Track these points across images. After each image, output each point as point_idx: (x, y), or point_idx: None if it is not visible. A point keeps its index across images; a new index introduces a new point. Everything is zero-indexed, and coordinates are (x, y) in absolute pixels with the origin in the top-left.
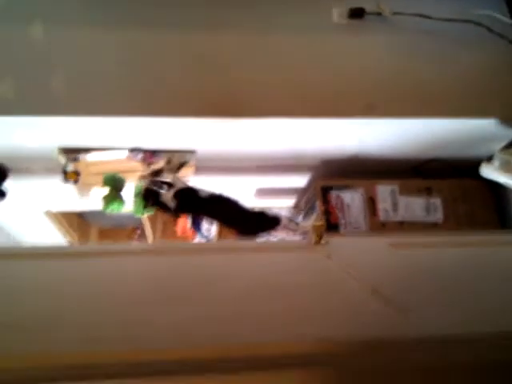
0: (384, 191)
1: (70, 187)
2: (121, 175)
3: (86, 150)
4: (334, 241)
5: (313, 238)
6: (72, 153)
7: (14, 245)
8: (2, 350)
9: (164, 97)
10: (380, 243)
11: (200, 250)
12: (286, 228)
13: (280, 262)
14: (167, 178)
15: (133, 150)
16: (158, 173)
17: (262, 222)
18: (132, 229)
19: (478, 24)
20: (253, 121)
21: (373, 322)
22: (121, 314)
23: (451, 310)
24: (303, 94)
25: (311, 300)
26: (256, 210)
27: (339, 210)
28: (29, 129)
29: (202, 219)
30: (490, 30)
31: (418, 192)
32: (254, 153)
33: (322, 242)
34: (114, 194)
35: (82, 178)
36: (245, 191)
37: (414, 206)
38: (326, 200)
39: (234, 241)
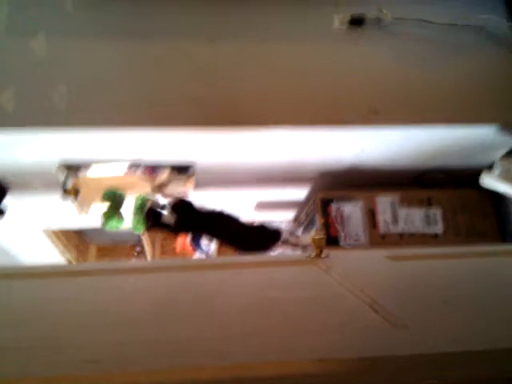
0: (384, 203)
1: (69, 204)
2: (120, 191)
3: (86, 166)
4: (334, 254)
5: (313, 251)
6: (71, 169)
7: (12, 264)
8: None
9: (163, 108)
10: (379, 256)
11: (198, 266)
12: (287, 242)
13: (279, 278)
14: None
15: (132, 166)
16: (162, 186)
17: (263, 236)
18: (131, 246)
19: (479, 29)
20: (253, 131)
21: (371, 339)
22: (119, 334)
23: (450, 325)
24: (304, 102)
25: (308, 316)
26: (256, 224)
27: (339, 223)
28: (28, 143)
29: (201, 236)
30: (491, 34)
31: (418, 203)
32: (254, 165)
33: (323, 255)
34: (114, 211)
35: (81, 195)
36: (245, 205)
37: (413, 218)
38: (325, 213)
39: (232, 256)
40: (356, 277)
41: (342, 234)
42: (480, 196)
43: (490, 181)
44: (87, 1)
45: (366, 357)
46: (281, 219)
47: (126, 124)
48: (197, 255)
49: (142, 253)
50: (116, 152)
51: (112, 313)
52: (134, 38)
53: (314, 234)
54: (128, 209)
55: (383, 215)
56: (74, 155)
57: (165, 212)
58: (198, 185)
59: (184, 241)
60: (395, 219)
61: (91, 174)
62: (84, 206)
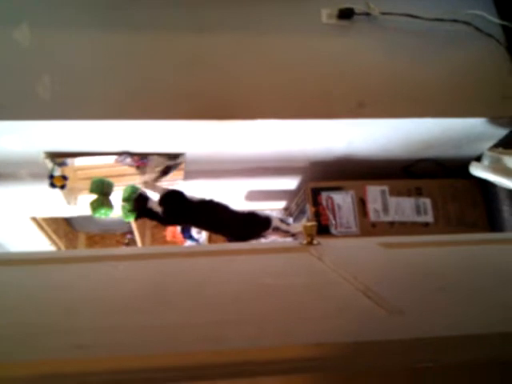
0: (374, 192)
1: (57, 193)
2: (109, 180)
3: (74, 155)
4: (326, 242)
5: (304, 238)
6: (59, 157)
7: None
8: None
9: (152, 99)
10: (372, 244)
11: (190, 253)
12: (278, 229)
13: (271, 264)
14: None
15: (121, 154)
16: (151, 176)
17: (253, 223)
18: (121, 234)
19: (467, 24)
20: (242, 122)
21: (366, 324)
22: (109, 320)
23: (446, 311)
24: (293, 95)
25: (302, 302)
26: (246, 211)
27: (330, 211)
28: (14, 133)
29: (190, 228)
30: (478, 29)
31: (408, 192)
32: (244, 155)
33: (314, 242)
34: (103, 199)
35: (69, 183)
36: (235, 194)
37: (404, 207)
38: (316, 202)
39: (223, 243)
40: (349, 264)
41: (334, 223)
42: (469, 185)
43: (479, 171)
44: None
45: (362, 341)
46: (271, 209)
47: (112, 116)
48: (187, 244)
49: (132, 241)
50: (103, 143)
51: (102, 299)
52: (121, 29)
53: (306, 221)
54: (117, 197)
55: (373, 204)
56: (61, 145)
57: (153, 201)
58: (188, 175)
59: (175, 229)
60: (386, 208)
61: (79, 162)
62: (72, 195)
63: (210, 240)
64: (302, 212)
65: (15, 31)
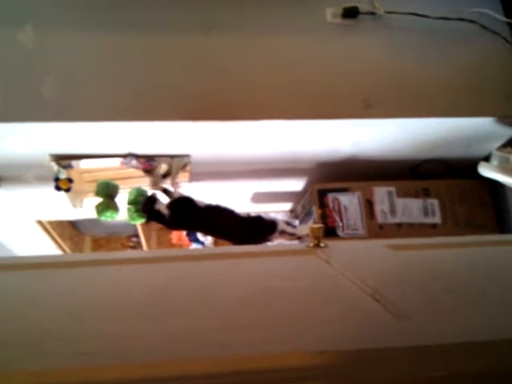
0: (381, 193)
1: (63, 195)
2: (114, 182)
3: (79, 157)
4: (333, 244)
5: (311, 241)
6: (64, 159)
7: (6, 255)
8: None
9: (157, 101)
10: (380, 246)
11: (196, 256)
12: (284, 232)
13: (278, 268)
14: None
15: (126, 156)
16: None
17: (259, 227)
18: (127, 237)
19: (472, 22)
20: (247, 123)
21: (374, 330)
22: (114, 326)
23: (455, 315)
24: (298, 95)
25: (309, 307)
26: (252, 215)
27: (336, 213)
28: (19, 135)
29: (196, 233)
30: (484, 27)
31: (416, 193)
32: (249, 156)
33: (321, 244)
34: (108, 202)
35: (75, 186)
36: (240, 197)
37: (411, 208)
38: (322, 203)
39: (229, 246)
40: (357, 267)
41: (340, 225)
42: (478, 186)
43: (488, 171)
44: None
45: (369, 348)
46: (277, 211)
47: (117, 117)
48: (193, 247)
49: (137, 244)
50: (108, 144)
51: (107, 305)
52: (126, 30)
53: (312, 223)
54: (123, 199)
55: (381, 205)
56: (66, 148)
57: (161, 203)
58: (194, 177)
59: (180, 232)
60: (393, 209)
61: (84, 165)
62: (78, 197)
63: (215, 242)
64: (308, 214)
65: (19, 33)
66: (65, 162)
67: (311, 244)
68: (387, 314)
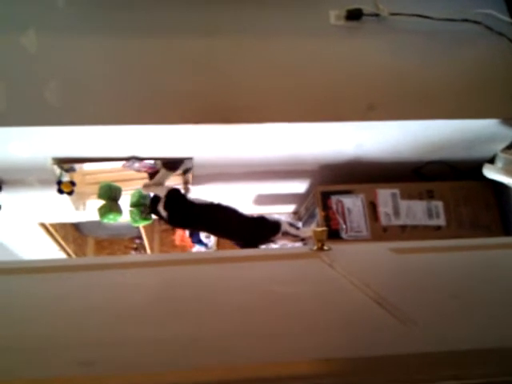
0: (385, 195)
1: (66, 198)
2: (117, 184)
3: (82, 161)
4: (336, 247)
5: (314, 244)
6: (67, 163)
7: (9, 259)
8: None
9: (160, 104)
10: (384, 249)
11: (198, 260)
12: (287, 233)
13: (281, 272)
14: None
15: (129, 159)
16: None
17: (262, 227)
18: (130, 239)
19: (477, 23)
20: (250, 126)
21: (379, 336)
22: (115, 333)
23: (461, 321)
24: (301, 98)
25: (313, 312)
26: (255, 215)
27: (340, 215)
28: (22, 140)
29: (198, 231)
30: (488, 28)
31: (420, 195)
32: (253, 159)
33: (325, 248)
34: (111, 205)
35: (77, 189)
36: (243, 198)
37: (415, 210)
38: (326, 206)
39: (232, 250)
40: (361, 271)
41: (344, 227)
42: (482, 187)
43: (492, 173)
44: None
45: (376, 356)
46: (280, 213)
47: (119, 121)
48: (196, 248)
49: (140, 246)
50: (111, 148)
51: (108, 310)
52: (128, 34)
53: (316, 226)
54: (126, 202)
55: (384, 207)
56: (68, 151)
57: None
58: (196, 180)
59: (183, 233)
60: (397, 211)
61: (88, 167)
62: (80, 200)
63: (218, 244)
64: (311, 216)
65: (22, 37)
66: (67, 166)
67: (315, 247)
68: (392, 319)
